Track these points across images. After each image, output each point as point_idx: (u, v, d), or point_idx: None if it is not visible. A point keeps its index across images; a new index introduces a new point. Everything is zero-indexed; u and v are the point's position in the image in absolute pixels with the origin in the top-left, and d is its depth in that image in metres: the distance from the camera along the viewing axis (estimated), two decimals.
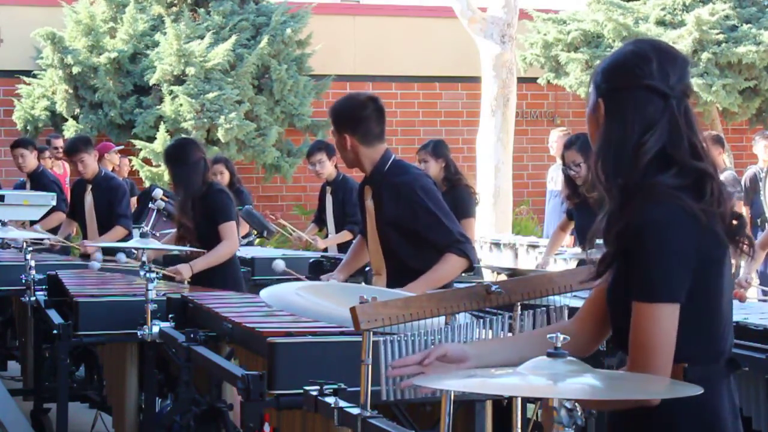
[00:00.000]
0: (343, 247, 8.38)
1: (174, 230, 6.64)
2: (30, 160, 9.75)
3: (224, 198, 6.15)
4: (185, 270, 5.93)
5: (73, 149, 7.94)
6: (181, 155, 6.11)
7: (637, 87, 2.37)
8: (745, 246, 2.39)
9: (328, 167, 8.47)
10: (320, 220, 8.95)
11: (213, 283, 5.85)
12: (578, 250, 7.18)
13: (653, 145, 2.35)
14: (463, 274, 4.68)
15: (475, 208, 7.97)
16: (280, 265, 5.52)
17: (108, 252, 7.45)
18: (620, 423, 2.44)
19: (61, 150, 11.43)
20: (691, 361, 2.33)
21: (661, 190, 2.33)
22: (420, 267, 4.46)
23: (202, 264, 5.98)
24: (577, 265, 6.71)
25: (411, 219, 4.50)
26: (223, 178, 9.44)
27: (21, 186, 10.08)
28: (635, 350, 2.31)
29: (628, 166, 2.37)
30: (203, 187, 6.07)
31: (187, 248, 5.91)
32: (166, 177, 12.42)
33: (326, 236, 8.72)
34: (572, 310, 3.18)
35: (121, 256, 6.55)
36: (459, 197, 7.42)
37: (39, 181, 9.72)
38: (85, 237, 8.05)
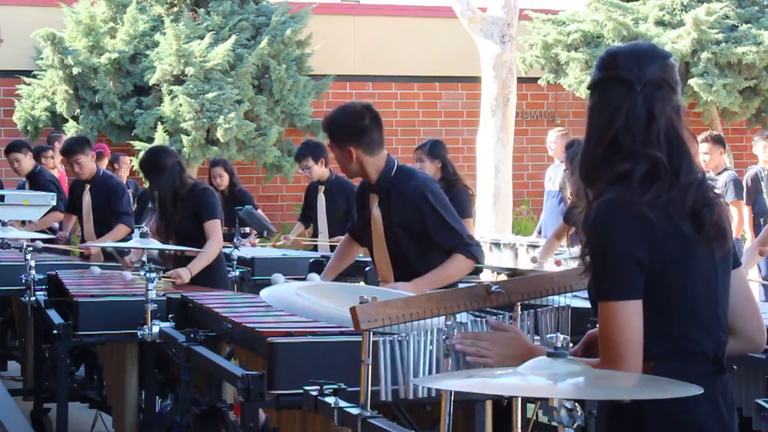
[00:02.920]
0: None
1: None
2: (25, 163, 9.74)
3: (209, 196, 6.23)
4: (185, 273, 5.96)
5: (69, 150, 7.95)
6: (156, 164, 6.19)
7: (606, 79, 2.46)
8: (713, 238, 2.39)
9: (315, 171, 8.50)
10: (306, 217, 8.97)
11: (200, 281, 5.93)
12: (578, 250, 7.18)
13: (611, 129, 2.41)
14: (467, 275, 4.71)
15: (472, 208, 7.99)
16: (279, 278, 5.49)
17: (110, 254, 7.46)
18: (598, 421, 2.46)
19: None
20: (658, 360, 2.34)
21: (611, 191, 2.36)
22: (426, 271, 4.48)
23: (199, 265, 6.02)
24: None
25: (420, 222, 4.52)
26: (223, 180, 9.49)
27: (22, 187, 10.07)
28: (601, 348, 2.35)
29: (595, 153, 2.42)
30: (183, 188, 6.15)
31: (187, 249, 5.92)
32: None
33: (315, 234, 8.72)
34: (573, 311, 3.18)
35: (127, 275, 6.51)
36: (457, 197, 7.42)
37: (36, 180, 9.72)
38: (83, 236, 8.05)
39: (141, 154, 6.75)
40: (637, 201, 2.32)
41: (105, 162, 11.24)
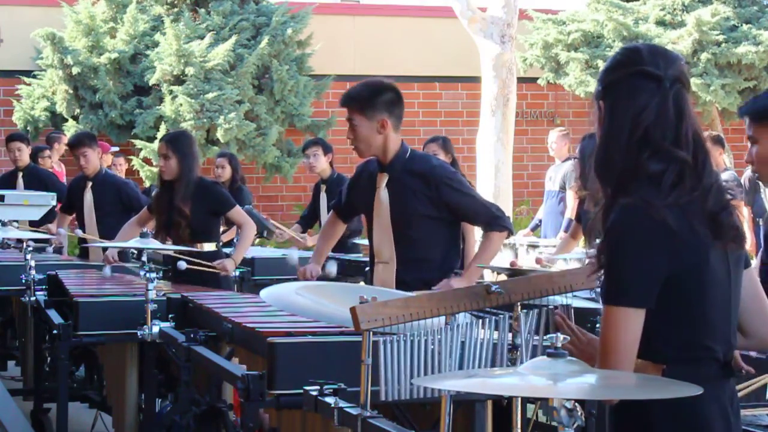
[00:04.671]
0: (339, 247, 8.38)
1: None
2: (25, 154, 9.77)
3: (220, 189, 6.53)
4: (230, 264, 6.20)
5: (77, 143, 7.96)
6: (186, 142, 6.37)
7: (630, 75, 2.42)
8: (731, 240, 2.39)
9: (322, 161, 8.52)
10: (306, 221, 8.94)
11: (206, 280, 6.05)
12: (579, 250, 7.19)
13: (642, 125, 2.38)
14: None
15: None
16: (332, 267, 5.45)
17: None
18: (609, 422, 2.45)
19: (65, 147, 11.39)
20: (670, 363, 2.33)
21: (635, 195, 2.34)
22: (431, 256, 4.56)
23: (241, 254, 6.34)
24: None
25: (446, 205, 4.56)
26: (224, 172, 9.42)
27: (9, 177, 9.93)
28: (600, 349, 2.34)
29: (622, 151, 2.39)
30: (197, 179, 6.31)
31: (185, 248, 5.93)
32: None
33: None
34: (574, 311, 3.18)
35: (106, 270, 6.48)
36: None
37: (35, 175, 9.68)
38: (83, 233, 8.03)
39: (172, 132, 6.91)
40: (659, 206, 2.30)
41: (110, 160, 11.23)
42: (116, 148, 12.17)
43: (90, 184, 7.92)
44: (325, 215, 8.57)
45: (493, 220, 4.64)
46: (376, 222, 4.68)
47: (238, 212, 6.39)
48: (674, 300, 2.33)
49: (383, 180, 4.64)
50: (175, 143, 6.33)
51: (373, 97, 4.56)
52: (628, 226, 2.32)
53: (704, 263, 2.34)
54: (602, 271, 2.41)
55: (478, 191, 4.89)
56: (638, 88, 2.40)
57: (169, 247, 6.23)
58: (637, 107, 2.39)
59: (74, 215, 8.20)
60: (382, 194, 4.63)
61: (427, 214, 4.56)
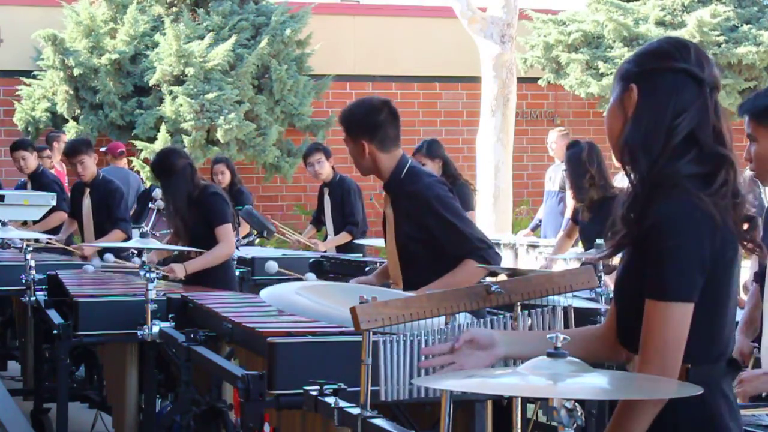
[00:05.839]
0: (341, 248, 8.40)
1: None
2: (31, 161, 9.76)
3: (219, 201, 6.19)
4: (179, 269, 5.96)
5: (74, 151, 7.94)
6: (166, 166, 6.16)
7: (675, 70, 2.37)
8: (750, 246, 2.38)
9: (326, 167, 8.53)
10: (318, 221, 8.98)
11: (206, 285, 5.88)
12: (579, 249, 7.19)
13: (684, 127, 2.34)
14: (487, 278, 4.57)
15: (473, 202, 8.05)
16: (273, 266, 5.49)
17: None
18: None
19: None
20: (694, 362, 2.31)
21: (682, 187, 2.31)
22: (426, 282, 4.35)
23: (198, 265, 6.00)
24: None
25: (425, 229, 4.36)
26: (224, 178, 9.47)
27: (22, 187, 10.06)
28: (646, 349, 2.28)
29: (658, 147, 2.35)
30: (195, 190, 6.10)
31: (188, 248, 5.92)
32: None
33: (325, 237, 8.74)
34: (574, 311, 3.19)
35: (109, 257, 6.65)
36: (459, 192, 7.42)
37: (40, 180, 9.71)
38: (82, 239, 8.05)
39: (153, 157, 6.83)
40: (705, 199, 2.28)
41: (123, 161, 11.23)
42: (103, 148, 12.16)
43: (88, 190, 7.93)
44: (329, 219, 8.58)
45: (472, 252, 4.31)
46: (387, 242, 4.57)
47: (224, 230, 6.11)
48: (710, 297, 2.30)
49: (388, 200, 4.53)
50: (157, 167, 6.32)
51: (356, 121, 4.47)
52: (680, 220, 2.28)
53: (734, 262, 2.34)
54: (617, 257, 2.39)
55: (467, 217, 4.52)
56: (681, 87, 2.37)
57: (168, 247, 6.24)
58: (679, 106, 2.35)
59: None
60: (388, 213, 4.53)
61: (419, 238, 4.38)
